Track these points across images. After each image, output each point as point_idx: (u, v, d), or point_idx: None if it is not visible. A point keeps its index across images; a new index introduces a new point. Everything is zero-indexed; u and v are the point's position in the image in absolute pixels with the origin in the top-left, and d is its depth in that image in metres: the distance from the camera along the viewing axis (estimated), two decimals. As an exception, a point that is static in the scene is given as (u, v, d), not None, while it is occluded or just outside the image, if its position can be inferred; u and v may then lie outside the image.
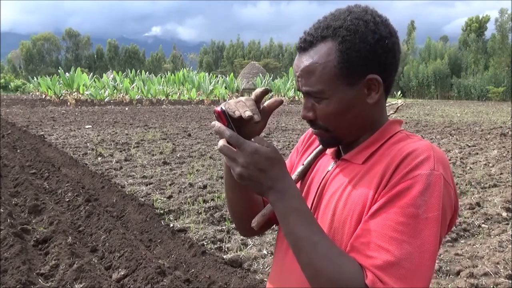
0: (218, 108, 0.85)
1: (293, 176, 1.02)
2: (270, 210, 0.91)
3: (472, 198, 5.67)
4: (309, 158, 1.04)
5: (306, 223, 0.80)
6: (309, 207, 0.95)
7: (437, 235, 0.78)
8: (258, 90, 0.89)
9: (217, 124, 0.82)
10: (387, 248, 0.76)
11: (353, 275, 0.76)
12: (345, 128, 0.91)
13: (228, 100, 0.88)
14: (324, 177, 0.96)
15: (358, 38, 0.84)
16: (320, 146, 1.03)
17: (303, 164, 1.04)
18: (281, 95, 37.31)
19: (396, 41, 0.89)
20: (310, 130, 1.08)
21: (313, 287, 0.80)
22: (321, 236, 0.80)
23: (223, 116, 0.84)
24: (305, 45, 0.89)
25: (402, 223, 0.76)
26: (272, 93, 37.38)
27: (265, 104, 0.91)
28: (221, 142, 0.81)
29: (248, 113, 0.82)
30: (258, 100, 0.89)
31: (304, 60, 0.88)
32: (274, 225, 1.05)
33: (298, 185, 1.04)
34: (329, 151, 1.01)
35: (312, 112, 0.91)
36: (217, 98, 35.20)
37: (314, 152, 1.04)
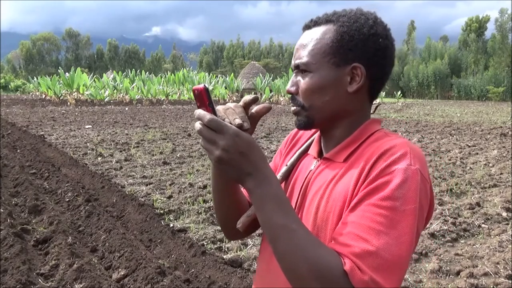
0: (201, 86, 0.81)
1: (277, 177, 1.03)
2: (254, 211, 0.90)
3: (472, 198, 5.67)
4: (292, 159, 1.06)
5: (284, 210, 0.79)
6: (293, 206, 0.96)
7: (414, 227, 0.79)
8: (248, 98, 0.89)
9: (198, 110, 0.80)
10: (366, 237, 0.76)
11: (332, 263, 0.75)
12: (320, 109, 0.94)
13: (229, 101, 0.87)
14: (307, 176, 0.98)
15: (355, 26, 0.91)
16: (303, 147, 1.06)
17: (286, 165, 1.06)
18: (281, 95, 37.32)
19: (390, 46, 0.93)
20: (292, 132, 1.15)
21: (291, 277, 0.78)
22: (299, 224, 0.79)
23: (205, 94, 0.80)
24: (311, 24, 0.96)
25: (380, 215, 0.77)
26: (272, 92, 37.42)
27: (253, 110, 0.91)
28: (199, 124, 0.79)
29: (238, 121, 0.81)
30: (247, 106, 0.89)
31: (305, 36, 0.96)
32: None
33: (282, 185, 1.04)
34: (311, 151, 1.03)
35: (295, 87, 0.96)
36: (217, 98, 35.18)
37: (297, 153, 1.06)
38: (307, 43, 0.93)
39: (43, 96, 36.50)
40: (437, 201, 5.49)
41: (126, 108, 25.50)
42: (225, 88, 37.58)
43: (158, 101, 33.45)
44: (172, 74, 42.81)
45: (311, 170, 0.98)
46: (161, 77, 42.18)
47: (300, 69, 0.94)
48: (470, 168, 7.74)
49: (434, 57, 66.14)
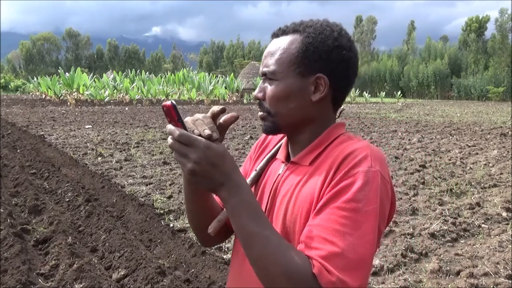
0: (168, 103, 0.83)
1: (247, 182, 1.05)
2: (225, 215, 0.93)
3: (472, 198, 5.67)
4: (261, 164, 1.09)
5: (257, 217, 0.82)
6: (264, 210, 0.99)
7: (376, 226, 0.83)
8: (216, 108, 0.90)
9: (169, 126, 0.83)
10: (332, 240, 0.80)
11: (301, 266, 0.79)
12: (285, 116, 0.97)
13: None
14: (275, 180, 1.02)
15: (321, 38, 0.94)
16: (272, 152, 1.10)
17: (255, 170, 1.09)
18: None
19: (353, 58, 0.97)
20: (261, 137, 1.18)
21: (264, 281, 0.82)
22: (271, 230, 0.83)
23: (173, 111, 0.82)
24: (279, 32, 1.00)
25: (344, 217, 0.81)
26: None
27: (221, 120, 0.93)
28: (171, 139, 0.82)
29: (207, 132, 0.82)
30: (215, 117, 0.90)
31: (272, 44, 0.99)
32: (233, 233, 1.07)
33: (252, 189, 1.07)
34: (279, 155, 1.07)
35: (262, 93, 0.99)
36: (217, 98, 35.19)
37: (266, 158, 1.10)
38: (274, 51, 0.97)
39: (43, 96, 36.50)
40: (437, 201, 5.49)
41: (126, 108, 25.50)
42: (225, 88, 37.56)
43: (158, 101, 33.44)
44: (172, 74, 42.81)
45: (279, 174, 1.02)
46: (161, 77, 42.17)
47: (267, 77, 0.97)
48: (470, 168, 7.74)
49: (434, 57, 66.14)
